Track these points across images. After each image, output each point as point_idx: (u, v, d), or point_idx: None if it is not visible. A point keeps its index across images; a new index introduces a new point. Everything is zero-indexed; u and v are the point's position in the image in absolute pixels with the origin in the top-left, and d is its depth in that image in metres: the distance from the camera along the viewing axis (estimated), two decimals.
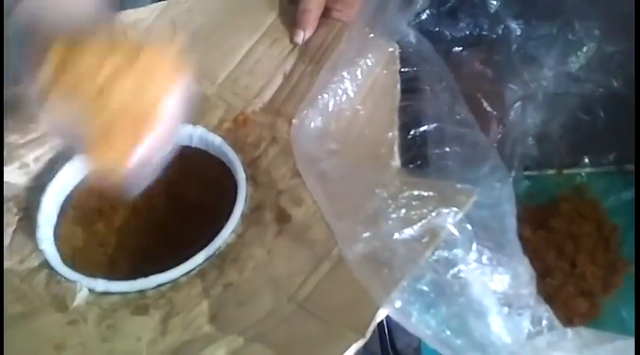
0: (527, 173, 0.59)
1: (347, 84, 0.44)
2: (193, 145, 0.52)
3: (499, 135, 0.58)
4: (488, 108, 0.57)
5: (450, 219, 0.35)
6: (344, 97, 0.44)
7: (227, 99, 0.53)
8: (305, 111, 0.42)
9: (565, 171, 0.59)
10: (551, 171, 0.60)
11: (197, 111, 0.52)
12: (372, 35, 0.44)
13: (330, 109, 0.43)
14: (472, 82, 0.56)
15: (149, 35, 0.57)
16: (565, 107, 0.58)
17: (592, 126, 0.57)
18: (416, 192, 0.35)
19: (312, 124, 0.42)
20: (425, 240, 0.34)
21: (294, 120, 0.42)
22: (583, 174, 0.59)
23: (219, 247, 0.45)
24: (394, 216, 0.34)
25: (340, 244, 0.37)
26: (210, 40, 0.55)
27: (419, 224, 0.34)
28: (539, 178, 0.59)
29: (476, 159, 0.41)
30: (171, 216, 0.52)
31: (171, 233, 0.52)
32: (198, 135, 0.51)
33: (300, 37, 0.53)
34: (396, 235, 0.34)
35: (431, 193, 0.35)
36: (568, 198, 0.58)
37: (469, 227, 0.36)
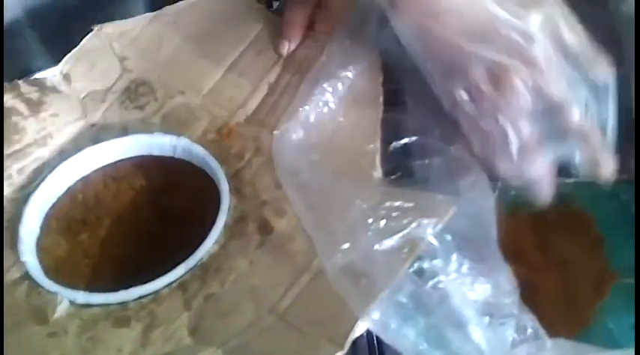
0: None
1: (328, 96, 0.44)
2: (177, 156, 0.52)
3: None
4: None
5: (429, 230, 0.35)
6: (325, 109, 0.44)
7: (211, 111, 0.53)
8: (286, 124, 0.42)
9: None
10: None
11: (182, 123, 0.53)
12: (352, 47, 0.45)
13: (311, 121, 0.43)
14: None
15: (135, 46, 0.57)
16: None
17: None
18: (396, 203, 0.35)
19: (294, 136, 0.42)
20: (404, 251, 0.34)
21: (275, 132, 0.43)
22: (569, 182, 0.56)
23: (202, 258, 0.45)
24: (373, 227, 0.34)
25: (320, 255, 0.37)
26: (196, 51, 0.55)
27: (398, 235, 0.34)
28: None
29: (458, 171, 0.41)
30: (154, 226, 0.52)
31: (154, 244, 0.51)
32: (181, 146, 0.51)
33: (285, 48, 0.53)
34: (376, 246, 0.34)
35: (411, 204, 0.35)
36: (554, 208, 0.55)
37: (449, 237, 0.36)
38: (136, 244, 0.52)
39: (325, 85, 0.44)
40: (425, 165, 0.42)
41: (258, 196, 0.47)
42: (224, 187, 0.48)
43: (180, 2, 0.58)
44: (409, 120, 0.46)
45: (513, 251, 0.49)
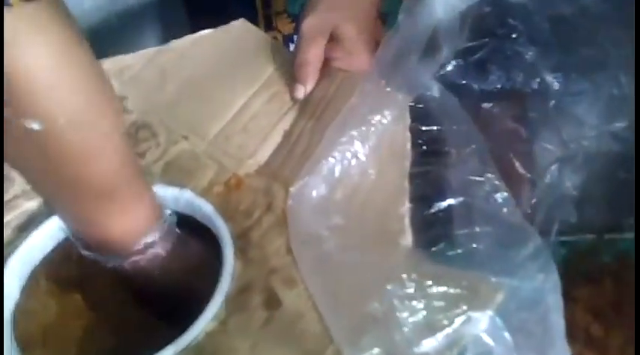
0: (564, 239, 0.53)
1: (357, 145, 0.36)
2: (180, 211, 0.46)
3: (533, 201, 0.51)
4: (521, 170, 0.52)
5: (482, 325, 0.27)
6: (353, 161, 0.36)
7: (218, 159, 0.47)
8: (306, 178, 0.34)
9: (606, 236, 0.53)
10: (590, 236, 0.53)
11: (185, 172, 0.47)
12: (388, 89, 0.37)
13: (336, 175, 0.36)
14: (503, 141, 0.51)
15: (136, 84, 0.51)
16: (606, 167, 0.53)
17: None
18: (437, 289, 0.27)
19: (314, 193, 0.35)
20: (451, 353, 0.26)
21: (291, 189, 0.35)
22: (625, 238, 0.53)
23: (197, 337, 0.38)
24: (411, 321, 0.26)
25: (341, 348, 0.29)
26: (202, 91, 0.50)
27: (442, 333, 0.26)
28: (577, 245, 0.53)
29: (511, 241, 0.33)
30: (149, 294, 0.45)
31: (146, 316, 0.45)
32: (185, 199, 0.45)
33: (301, 92, 0.48)
34: (415, 348, 0.25)
35: (456, 290, 0.27)
36: (609, 269, 0.52)
37: (507, 335, 0.27)
38: (131, 307, 0.46)
39: (354, 132, 0.36)
40: (471, 234, 0.34)
41: (267, 262, 0.41)
42: (228, 250, 0.42)
43: (188, 36, 0.53)
44: (452, 176, 0.38)
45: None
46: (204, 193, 0.45)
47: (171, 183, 0.46)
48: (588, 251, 0.53)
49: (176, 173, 0.47)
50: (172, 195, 0.45)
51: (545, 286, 0.33)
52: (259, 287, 0.40)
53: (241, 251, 0.42)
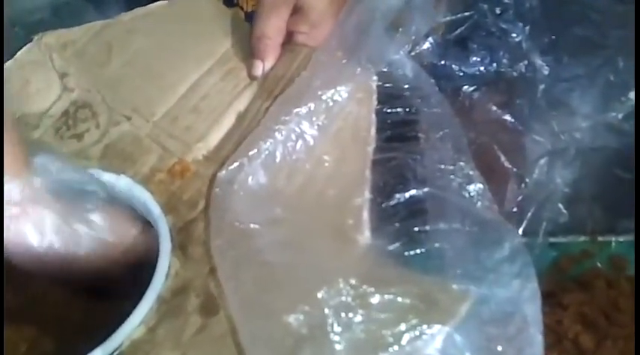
0: (553, 240, 0.51)
1: (305, 125, 0.31)
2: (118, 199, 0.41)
3: (519, 197, 0.49)
4: (507, 164, 0.49)
5: (436, 344, 0.22)
6: (299, 143, 0.31)
7: (163, 143, 0.43)
8: (238, 162, 0.29)
9: (600, 238, 0.51)
10: (583, 238, 0.51)
11: (126, 157, 0.43)
12: (344, 61, 0.32)
13: (277, 160, 0.30)
14: (486, 130, 0.49)
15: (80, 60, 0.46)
16: (601, 163, 0.51)
17: (632, 185, 0.49)
18: (386, 296, 0.22)
19: (250, 180, 0.30)
20: None
21: (219, 174, 0.30)
22: (620, 241, 0.51)
23: (121, 345, 0.34)
24: (346, 336, 0.21)
25: None
26: (150, 68, 0.46)
27: (386, 352, 0.21)
28: (568, 247, 0.51)
29: (484, 240, 0.28)
30: (76, 296, 0.41)
31: (74, 318, 0.41)
32: (121, 186, 0.41)
33: (259, 69, 0.43)
34: None
35: (407, 300, 0.22)
36: (602, 275, 0.50)
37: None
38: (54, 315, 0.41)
39: (302, 110, 0.31)
40: (437, 231, 0.29)
41: (209, 260, 0.36)
42: (164, 246, 0.37)
43: (138, 9, 0.49)
44: (419, 164, 0.34)
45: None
46: (146, 180, 0.41)
47: (109, 168, 0.42)
48: (580, 254, 0.50)
49: (116, 157, 0.43)
50: (108, 182, 0.41)
51: (521, 295, 0.28)
52: (197, 289, 0.35)
53: (181, 247, 0.37)
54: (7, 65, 0.48)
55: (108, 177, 0.41)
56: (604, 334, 0.46)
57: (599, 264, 0.50)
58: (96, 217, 0.38)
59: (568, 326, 0.48)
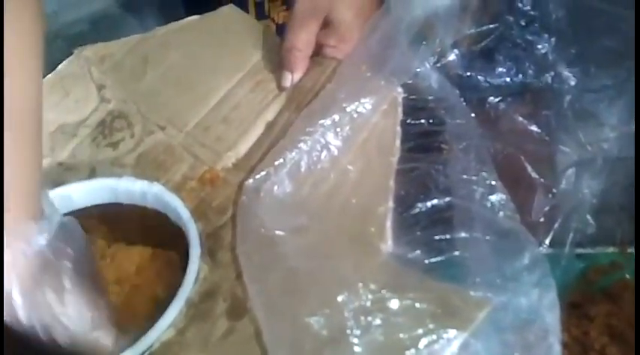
0: (580, 251, 0.50)
1: (330, 136, 0.32)
2: (149, 206, 0.43)
3: (547, 208, 0.48)
4: (534, 174, 0.49)
5: (453, 347, 0.22)
6: (324, 154, 0.32)
7: (194, 152, 0.43)
8: (265, 171, 0.30)
9: (629, 250, 0.50)
10: (611, 249, 0.51)
11: (158, 165, 0.44)
12: (369, 74, 0.33)
13: (302, 169, 0.31)
14: (513, 140, 0.48)
15: (117, 73, 0.48)
16: (628, 173, 0.49)
17: None
18: (401, 303, 0.23)
19: (276, 188, 0.31)
20: None
21: (246, 183, 0.31)
22: None
23: (151, 346, 0.34)
24: (365, 339, 0.21)
25: None
26: (184, 80, 0.47)
27: (407, 353, 0.21)
28: (596, 258, 0.50)
29: (504, 250, 0.29)
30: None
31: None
32: (153, 194, 0.42)
33: (288, 80, 0.44)
34: None
35: (424, 305, 0.22)
36: (631, 286, 0.49)
37: None
38: None
39: (326, 121, 0.32)
40: (457, 239, 0.29)
41: (236, 266, 0.37)
42: (194, 251, 0.38)
43: (173, 23, 0.50)
44: (442, 174, 0.34)
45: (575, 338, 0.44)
46: (177, 188, 0.42)
47: (143, 175, 0.43)
48: (608, 265, 0.50)
49: (149, 165, 0.43)
50: (140, 189, 0.42)
51: (541, 304, 0.28)
52: (224, 293, 0.36)
53: (210, 253, 0.38)
54: (48, 77, 0.49)
55: (140, 184, 0.42)
56: (631, 346, 0.46)
57: (627, 276, 0.49)
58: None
59: (595, 337, 0.48)
